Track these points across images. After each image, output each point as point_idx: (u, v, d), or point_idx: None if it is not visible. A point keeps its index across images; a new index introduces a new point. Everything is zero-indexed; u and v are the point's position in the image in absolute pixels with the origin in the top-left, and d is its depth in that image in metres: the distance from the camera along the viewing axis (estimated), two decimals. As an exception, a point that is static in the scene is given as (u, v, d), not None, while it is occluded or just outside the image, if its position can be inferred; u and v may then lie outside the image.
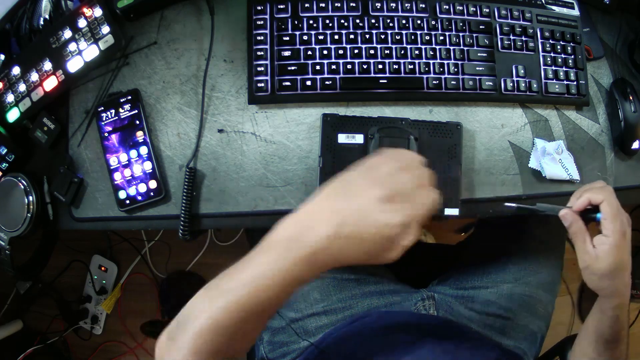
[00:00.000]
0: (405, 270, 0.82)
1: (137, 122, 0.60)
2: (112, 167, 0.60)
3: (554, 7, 0.66)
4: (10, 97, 0.61)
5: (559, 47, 0.64)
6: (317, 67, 0.60)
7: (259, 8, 0.61)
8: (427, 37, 0.61)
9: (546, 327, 0.75)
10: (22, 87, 0.61)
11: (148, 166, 0.59)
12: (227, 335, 0.41)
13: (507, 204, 0.60)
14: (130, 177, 0.59)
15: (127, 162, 0.59)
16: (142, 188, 0.59)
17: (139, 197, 0.59)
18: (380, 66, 0.60)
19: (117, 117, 0.60)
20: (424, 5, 0.62)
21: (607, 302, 0.54)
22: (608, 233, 0.51)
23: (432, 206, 0.40)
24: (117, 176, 0.59)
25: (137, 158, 0.59)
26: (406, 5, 0.62)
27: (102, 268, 1.45)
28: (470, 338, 0.65)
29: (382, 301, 0.71)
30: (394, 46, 0.61)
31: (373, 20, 0.61)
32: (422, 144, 0.59)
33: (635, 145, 0.64)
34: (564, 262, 0.78)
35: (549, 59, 0.64)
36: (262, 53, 0.60)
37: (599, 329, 0.57)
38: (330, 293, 0.68)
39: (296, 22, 0.60)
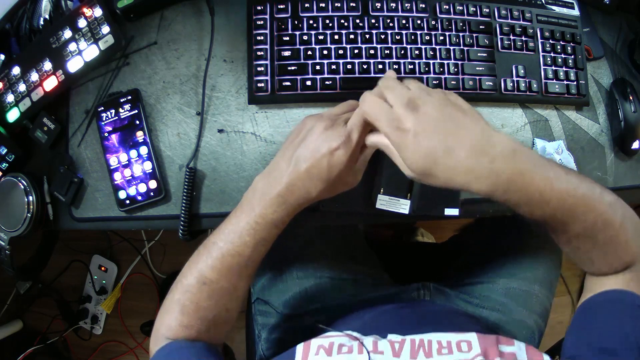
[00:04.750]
0: (402, 271, 0.82)
1: (137, 122, 0.60)
2: (112, 167, 0.60)
3: (554, 7, 0.66)
4: (10, 97, 0.61)
5: (559, 47, 0.64)
6: (317, 67, 0.60)
7: (259, 8, 0.61)
8: (427, 37, 0.61)
9: (544, 324, 0.75)
10: (22, 87, 0.61)
11: (148, 166, 0.59)
12: (209, 292, 0.49)
13: None
14: (130, 177, 0.59)
15: (127, 162, 0.59)
16: (142, 188, 0.59)
17: (139, 197, 0.59)
18: (380, 66, 0.60)
19: (117, 117, 0.60)
20: (424, 5, 0.62)
21: (496, 199, 0.43)
22: (388, 140, 0.44)
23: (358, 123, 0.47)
24: (117, 176, 0.59)
25: (137, 158, 0.59)
26: (406, 5, 0.62)
27: (102, 268, 1.45)
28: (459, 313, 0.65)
29: (378, 295, 0.71)
30: (394, 46, 0.61)
31: (373, 20, 0.61)
32: None
33: (635, 145, 0.64)
34: (562, 259, 0.78)
35: (549, 59, 0.64)
36: (262, 53, 0.60)
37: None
38: (327, 292, 0.69)
39: (296, 22, 0.60)
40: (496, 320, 0.71)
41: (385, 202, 0.57)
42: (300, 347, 0.48)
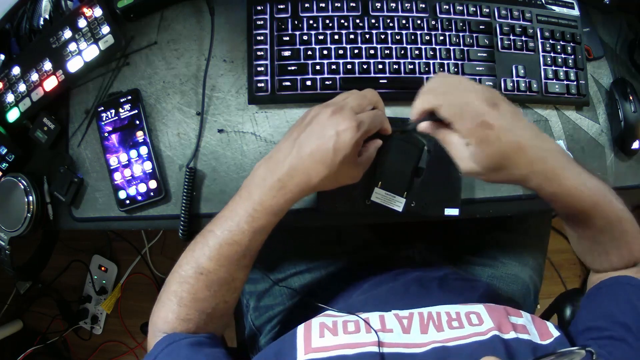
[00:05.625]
0: (391, 235, 0.82)
1: (137, 122, 0.60)
2: (112, 167, 0.60)
3: (554, 7, 0.66)
4: (10, 97, 0.61)
5: (559, 47, 0.64)
6: (317, 67, 0.60)
7: (259, 8, 0.61)
8: (427, 37, 0.61)
9: (539, 281, 0.74)
10: (22, 87, 0.61)
11: (148, 166, 0.59)
12: (207, 282, 0.48)
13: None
14: (130, 177, 0.59)
15: (127, 162, 0.59)
16: (142, 188, 0.59)
17: (139, 197, 0.59)
18: (380, 66, 0.60)
19: (117, 117, 0.60)
20: (424, 5, 0.62)
21: (543, 192, 0.45)
22: (464, 135, 0.42)
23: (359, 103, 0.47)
24: (117, 176, 0.59)
25: (137, 158, 0.59)
26: (406, 5, 0.62)
27: (102, 268, 1.45)
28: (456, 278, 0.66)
29: (366, 257, 0.71)
30: (394, 46, 0.61)
31: (373, 20, 0.61)
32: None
33: (635, 145, 0.64)
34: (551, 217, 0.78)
35: (549, 59, 0.64)
36: (262, 53, 0.60)
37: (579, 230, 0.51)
38: (313, 254, 0.68)
39: (296, 22, 0.60)
40: (490, 275, 0.70)
41: (380, 197, 0.57)
42: (300, 330, 0.46)
